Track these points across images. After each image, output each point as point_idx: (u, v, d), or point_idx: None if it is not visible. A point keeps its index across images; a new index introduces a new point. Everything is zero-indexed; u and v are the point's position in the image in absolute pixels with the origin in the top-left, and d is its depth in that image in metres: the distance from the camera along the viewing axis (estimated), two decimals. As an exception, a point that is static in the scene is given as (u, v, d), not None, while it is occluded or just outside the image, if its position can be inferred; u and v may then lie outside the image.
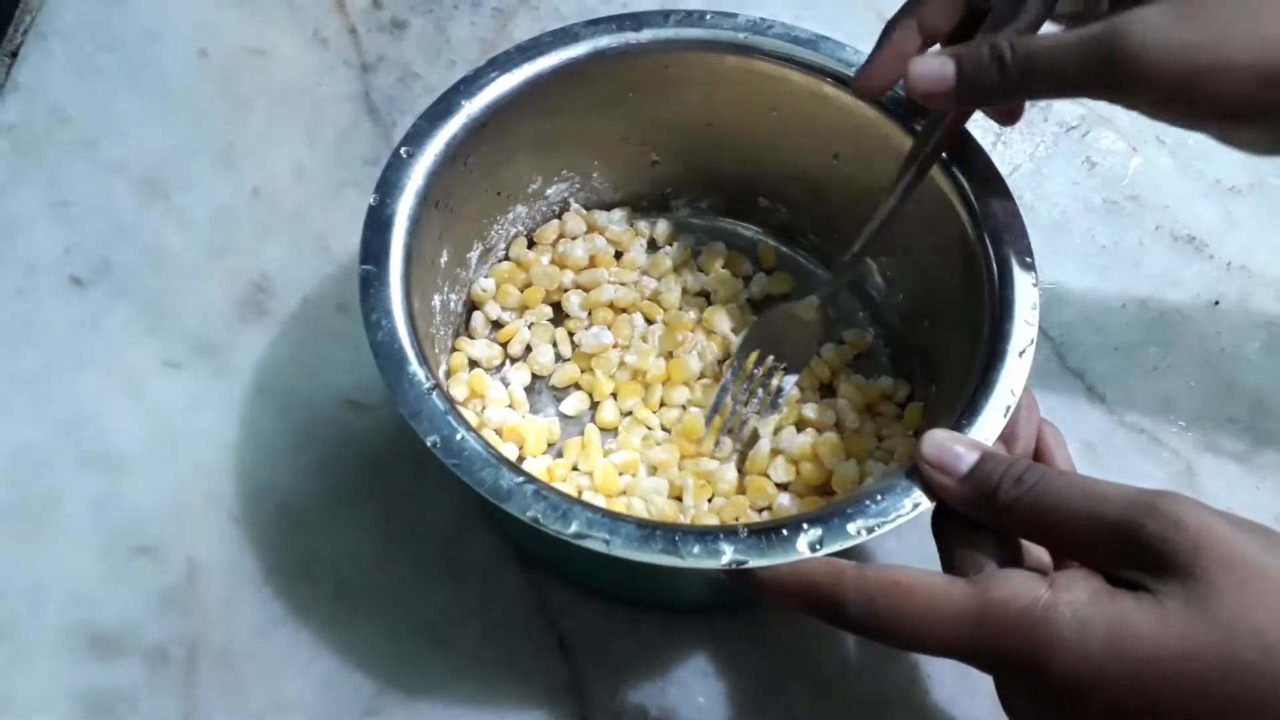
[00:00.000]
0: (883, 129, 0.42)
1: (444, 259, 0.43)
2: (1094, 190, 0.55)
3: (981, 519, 0.32)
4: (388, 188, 0.39)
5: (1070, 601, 0.29)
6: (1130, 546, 0.29)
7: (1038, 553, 0.33)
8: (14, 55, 0.53)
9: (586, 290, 0.47)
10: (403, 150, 0.39)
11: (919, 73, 0.37)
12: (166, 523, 0.42)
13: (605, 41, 0.43)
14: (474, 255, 0.46)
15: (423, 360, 0.36)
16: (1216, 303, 0.52)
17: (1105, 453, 0.47)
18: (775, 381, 0.43)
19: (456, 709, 0.40)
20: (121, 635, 0.40)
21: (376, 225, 0.38)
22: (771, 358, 0.43)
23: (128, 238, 0.49)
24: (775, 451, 0.43)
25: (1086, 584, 0.29)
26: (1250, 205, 0.55)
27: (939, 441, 0.33)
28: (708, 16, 0.43)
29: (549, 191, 0.47)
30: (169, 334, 0.47)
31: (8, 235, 0.49)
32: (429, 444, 0.34)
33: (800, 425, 0.44)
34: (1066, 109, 0.57)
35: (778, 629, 0.42)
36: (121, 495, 0.43)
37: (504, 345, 0.46)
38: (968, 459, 0.32)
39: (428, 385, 0.35)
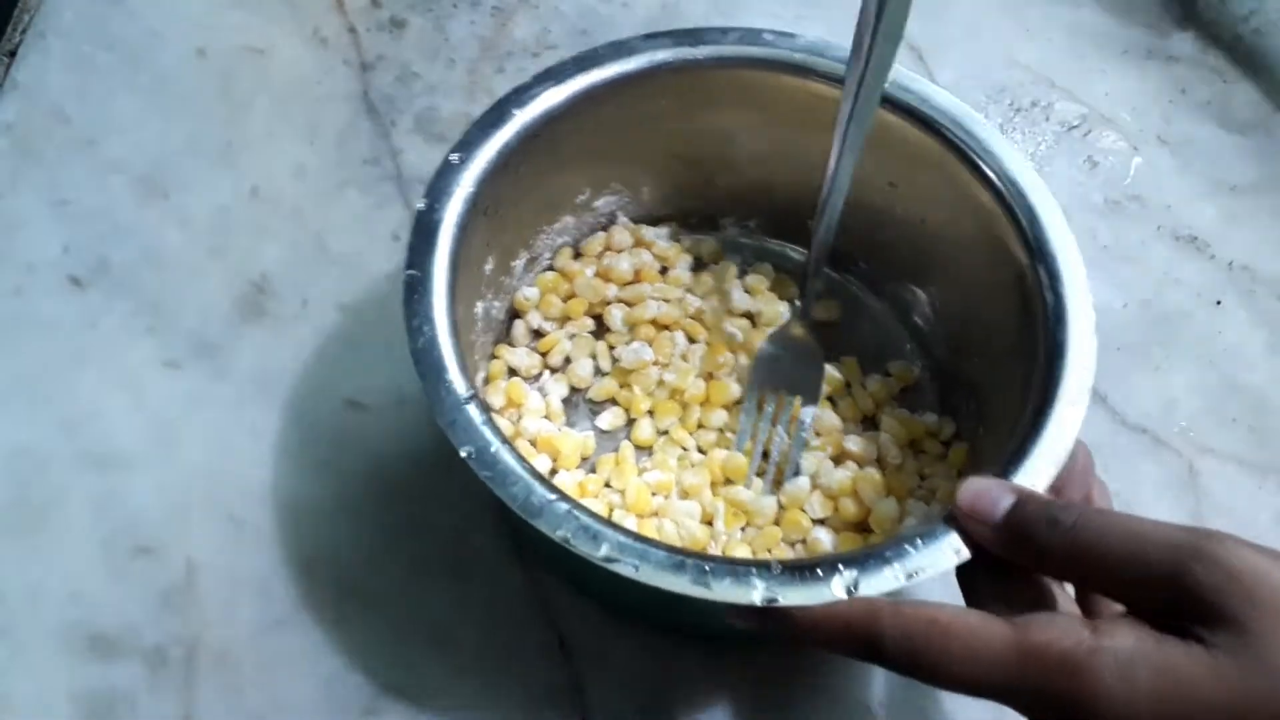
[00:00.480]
0: (941, 159, 0.41)
1: (489, 266, 0.43)
2: (1095, 189, 0.55)
3: (1020, 563, 0.32)
4: (437, 193, 0.38)
5: (1114, 647, 0.28)
6: (1178, 593, 0.28)
7: (1068, 604, 0.32)
8: (12, 54, 0.53)
9: (629, 305, 0.46)
10: (453, 156, 0.39)
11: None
12: (166, 523, 0.42)
13: (662, 56, 0.42)
14: (519, 263, 0.46)
15: (462, 369, 0.35)
16: (1218, 302, 0.52)
17: (1107, 453, 0.47)
18: (793, 415, 0.43)
19: (457, 709, 0.40)
20: (121, 636, 0.40)
21: (424, 230, 0.37)
22: (782, 392, 0.43)
23: (127, 237, 0.49)
24: (814, 486, 0.42)
25: (1131, 630, 0.28)
26: (1252, 205, 0.55)
27: (975, 489, 0.32)
28: (765, 35, 0.42)
29: (597, 203, 0.47)
30: (168, 334, 0.47)
31: (6, 234, 0.48)
32: (463, 455, 0.33)
33: (840, 458, 0.43)
34: (1068, 108, 0.57)
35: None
36: (121, 495, 0.43)
37: (544, 355, 0.46)
38: (1003, 504, 0.32)
39: (465, 395, 0.34)
